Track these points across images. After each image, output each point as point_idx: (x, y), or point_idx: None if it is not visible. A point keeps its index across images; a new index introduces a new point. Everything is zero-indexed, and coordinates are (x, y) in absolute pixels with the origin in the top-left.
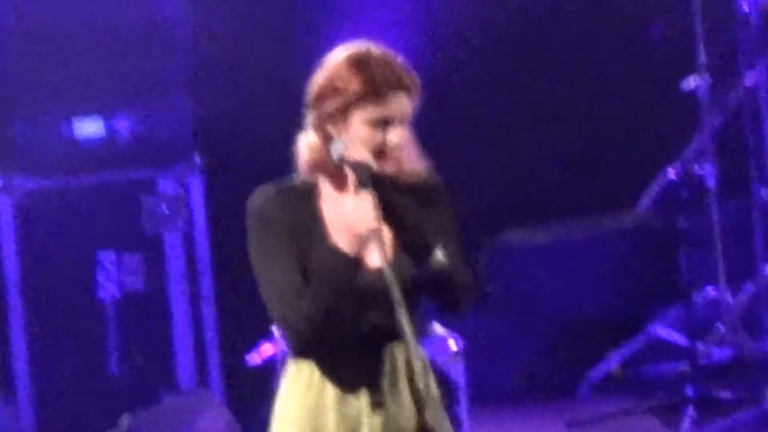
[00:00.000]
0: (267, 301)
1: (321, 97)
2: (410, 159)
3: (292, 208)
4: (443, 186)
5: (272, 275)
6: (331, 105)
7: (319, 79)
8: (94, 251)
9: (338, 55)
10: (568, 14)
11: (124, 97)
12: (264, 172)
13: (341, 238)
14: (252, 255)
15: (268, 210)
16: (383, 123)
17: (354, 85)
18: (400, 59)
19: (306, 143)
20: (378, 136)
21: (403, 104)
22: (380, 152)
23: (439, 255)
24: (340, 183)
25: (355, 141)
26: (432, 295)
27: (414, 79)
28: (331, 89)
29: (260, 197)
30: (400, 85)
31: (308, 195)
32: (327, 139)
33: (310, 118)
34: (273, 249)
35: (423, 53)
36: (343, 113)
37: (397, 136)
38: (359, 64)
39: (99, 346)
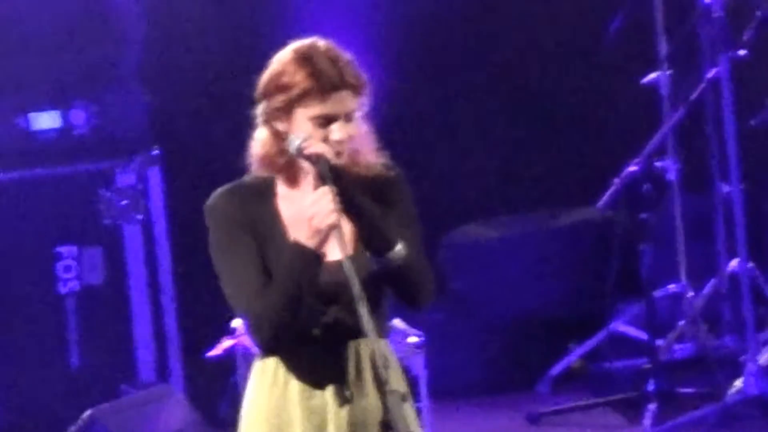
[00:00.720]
0: (229, 298)
1: (267, 93)
2: (368, 153)
3: (250, 205)
4: (402, 179)
5: (233, 273)
6: (277, 100)
7: (266, 74)
8: (53, 245)
9: (286, 52)
10: (529, 7)
11: (81, 90)
12: (222, 164)
13: (301, 233)
14: (212, 254)
15: (226, 208)
16: (326, 120)
17: (298, 81)
18: (346, 56)
19: (258, 139)
20: (321, 132)
21: (346, 102)
22: (342, 146)
23: (400, 249)
24: (292, 178)
25: (300, 136)
26: (392, 289)
27: (360, 76)
28: (276, 85)
29: (218, 196)
30: (343, 83)
31: (265, 191)
32: (276, 134)
33: (258, 113)
34: (233, 247)
35: (379, 50)
36: (287, 109)
37: (340, 133)
38: (303, 60)
39: (59, 340)
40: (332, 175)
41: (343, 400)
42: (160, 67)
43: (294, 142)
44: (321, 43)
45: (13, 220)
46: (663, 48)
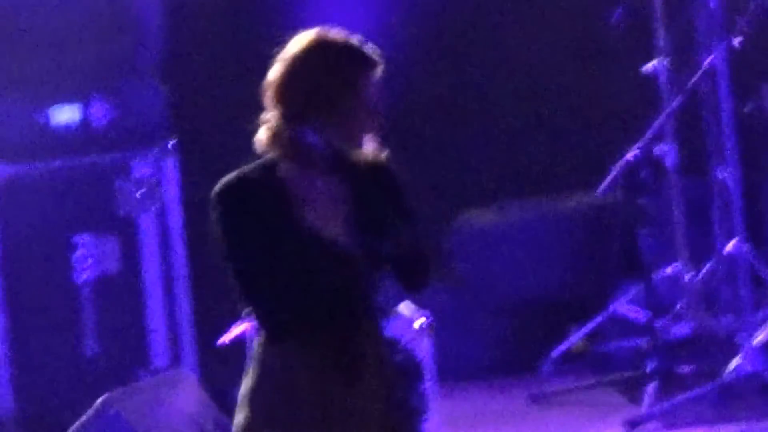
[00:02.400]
0: (237, 286)
1: (292, 90)
2: (366, 141)
3: (256, 193)
4: (393, 166)
5: (240, 260)
6: (305, 96)
7: (285, 71)
8: (71, 234)
9: (301, 46)
10: None
11: (98, 84)
12: (236, 156)
13: (309, 219)
14: (220, 241)
15: (232, 196)
16: (361, 104)
17: (325, 74)
18: (359, 39)
19: (270, 129)
20: (361, 116)
21: (374, 82)
22: (362, 132)
23: (402, 232)
24: (304, 165)
25: (336, 125)
26: (396, 272)
27: (378, 54)
28: (301, 81)
29: (224, 184)
30: (369, 66)
31: (272, 175)
32: (296, 125)
33: (280, 108)
34: (239, 234)
35: (387, 40)
36: (322, 102)
37: (377, 113)
38: (326, 53)
39: (75, 327)
40: (339, 162)
41: (350, 380)
42: (176, 61)
43: (305, 134)
44: (331, 32)
45: (32, 210)
46: (661, 38)
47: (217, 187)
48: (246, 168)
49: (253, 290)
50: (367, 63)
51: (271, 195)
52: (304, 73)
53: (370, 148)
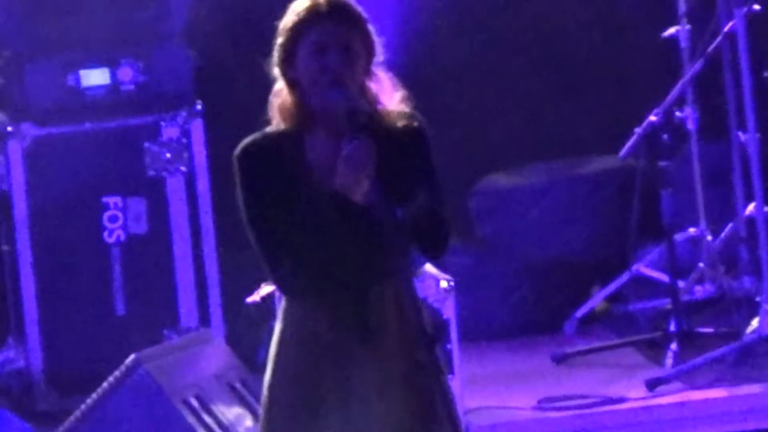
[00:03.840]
0: (255, 246)
1: (282, 59)
2: (392, 103)
3: (275, 153)
4: (425, 129)
5: (259, 220)
6: (281, 48)
7: (276, 42)
8: (100, 195)
9: (287, 15)
10: None
11: (128, 48)
12: (261, 119)
13: (331, 180)
14: (240, 202)
15: (253, 157)
16: (319, 47)
17: (291, 23)
18: None
19: (276, 92)
20: (318, 61)
21: (335, 31)
22: (322, 76)
23: (423, 196)
24: (311, 127)
25: (303, 73)
26: (414, 235)
27: (351, 10)
28: (279, 30)
29: (245, 145)
30: (330, 14)
31: (289, 139)
32: (289, 82)
33: (284, 78)
34: (259, 194)
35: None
36: (289, 51)
37: (335, 59)
38: (296, 4)
39: (104, 287)
40: (358, 123)
41: (366, 341)
42: (203, 26)
43: (332, 95)
44: None
45: (63, 171)
46: (682, 3)
47: (239, 148)
48: (267, 130)
49: (268, 249)
50: (331, 12)
51: (291, 156)
52: (285, 42)
53: (401, 109)
